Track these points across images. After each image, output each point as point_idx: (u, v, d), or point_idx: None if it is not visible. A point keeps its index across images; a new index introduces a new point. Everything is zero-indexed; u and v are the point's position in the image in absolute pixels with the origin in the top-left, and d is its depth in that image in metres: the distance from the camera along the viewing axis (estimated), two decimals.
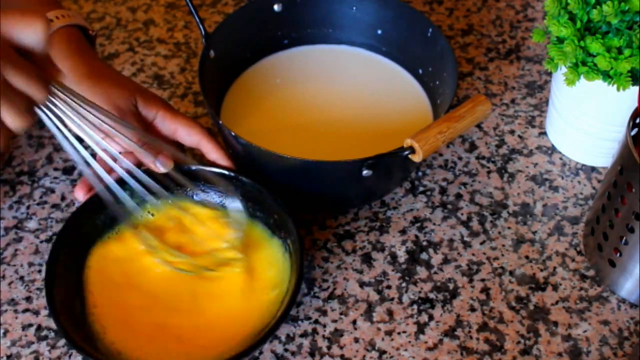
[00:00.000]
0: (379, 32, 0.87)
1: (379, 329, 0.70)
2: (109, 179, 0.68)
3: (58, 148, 0.83)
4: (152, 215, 0.73)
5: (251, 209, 0.73)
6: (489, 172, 0.82)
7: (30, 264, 0.74)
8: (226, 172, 0.73)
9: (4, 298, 0.71)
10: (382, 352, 0.68)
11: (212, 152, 0.74)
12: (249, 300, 0.68)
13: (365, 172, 0.69)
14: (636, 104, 0.70)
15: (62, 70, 0.68)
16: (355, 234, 0.77)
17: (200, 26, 0.79)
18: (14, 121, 0.54)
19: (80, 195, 0.72)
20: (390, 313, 0.71)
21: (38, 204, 0.78)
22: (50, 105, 0.58)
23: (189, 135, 0.74)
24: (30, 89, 0.54)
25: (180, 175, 0.71)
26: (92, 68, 0.72)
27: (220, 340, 0.66)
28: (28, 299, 0.71)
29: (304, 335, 0.69)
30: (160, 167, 0.70)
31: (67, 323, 0.64)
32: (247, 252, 0.70)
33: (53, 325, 0.70)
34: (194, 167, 0.73)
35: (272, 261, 0.70)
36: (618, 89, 0.71)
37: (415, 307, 0.71)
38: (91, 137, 0.62)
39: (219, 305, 0.68)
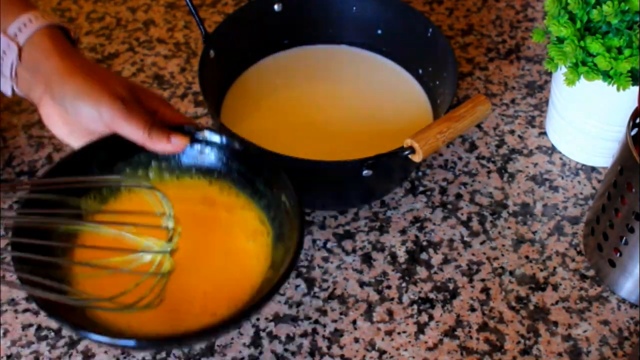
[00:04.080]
0: (379, 32, 0.87)
1: (379, 329, 0.70)
2: None
3: (58, 148, 0.83)
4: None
5: (236, 168, 0.71)
6: (489, 172, 0.82)
7: None
8: (215, 134, 0.71)
9: (4, 298, 0.71)
10: (382, 352, 0.68)
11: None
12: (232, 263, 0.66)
13: (365, 172, 0.69)
14: (636, 104, 0.70)
15: (47, 70, 0.66)
16: (355, 234, 0.77)
17: (200, 26, 0.79)
18: None
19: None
20: (390, 313, 0.71)
21: None
22: None
23: None
24: None
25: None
26: (83, 63, 0.69)
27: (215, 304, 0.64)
28: (28, 299, 0.71)
29: (304, 335, 0.69)
30: (177, 145, 0.69)
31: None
32: (229, 214, 0.69)
33: (53, 325, 0.70)
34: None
35: (254, 223, 0.69)
36: (618, 89, 0.71)
37: (415, 307, 0.71)
38: None
39: (204, 272, 0.66)
